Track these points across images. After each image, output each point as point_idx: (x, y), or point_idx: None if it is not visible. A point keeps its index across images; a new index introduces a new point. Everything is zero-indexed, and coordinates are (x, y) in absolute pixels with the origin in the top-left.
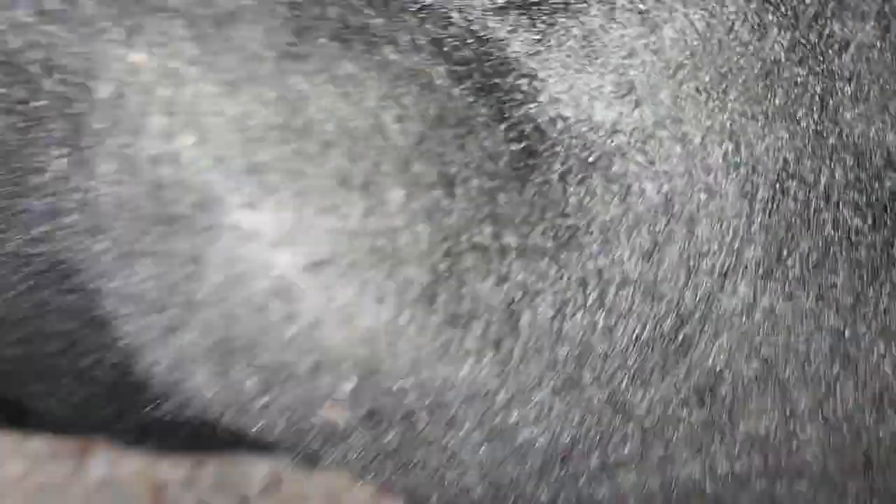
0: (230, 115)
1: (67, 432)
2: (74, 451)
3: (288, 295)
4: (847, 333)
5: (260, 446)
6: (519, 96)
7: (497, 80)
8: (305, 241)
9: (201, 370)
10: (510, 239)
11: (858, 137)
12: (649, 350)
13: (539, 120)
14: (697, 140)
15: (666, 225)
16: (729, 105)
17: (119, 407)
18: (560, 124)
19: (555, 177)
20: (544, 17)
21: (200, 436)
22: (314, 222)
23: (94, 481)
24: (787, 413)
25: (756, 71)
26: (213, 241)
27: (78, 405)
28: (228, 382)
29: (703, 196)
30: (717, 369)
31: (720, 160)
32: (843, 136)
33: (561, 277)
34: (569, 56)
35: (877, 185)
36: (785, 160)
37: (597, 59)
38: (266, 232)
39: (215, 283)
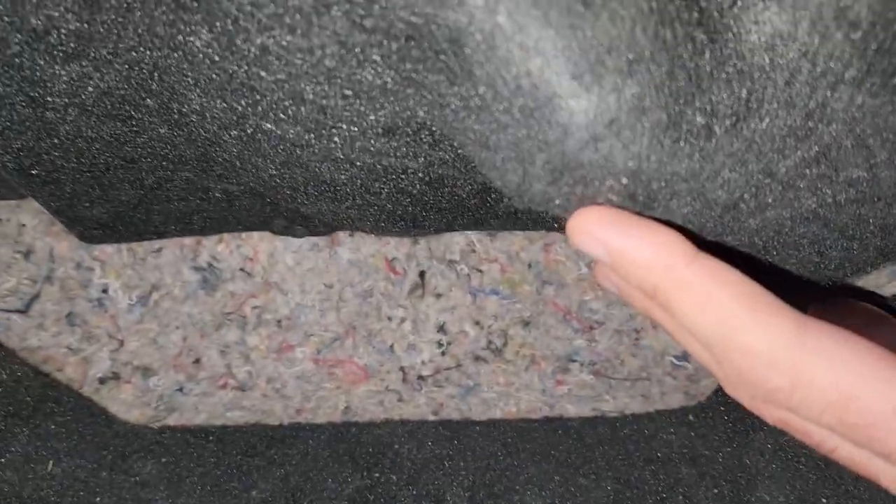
0: (558, 48)
1: (320, 232)
2: (327, 243)
3: (596, 139)
4: None
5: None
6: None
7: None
8: (604, 111)
9: (539, 183)
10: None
11: None
12: (788, 137)
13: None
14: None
15: (798, 61)
16: None
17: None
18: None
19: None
20: None
21: (420, 226)
22: (608, 99)
23: (344, 262)
24: (871, 164)
25: None
26: (553, 113)
27: (365, 217)
28: (556, 187)
29: (818, 41)
30: (828, 144)
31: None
32: None
33: (739, 102)
34: None
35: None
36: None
37: None
38: (584, 108)
39: (556, 133)
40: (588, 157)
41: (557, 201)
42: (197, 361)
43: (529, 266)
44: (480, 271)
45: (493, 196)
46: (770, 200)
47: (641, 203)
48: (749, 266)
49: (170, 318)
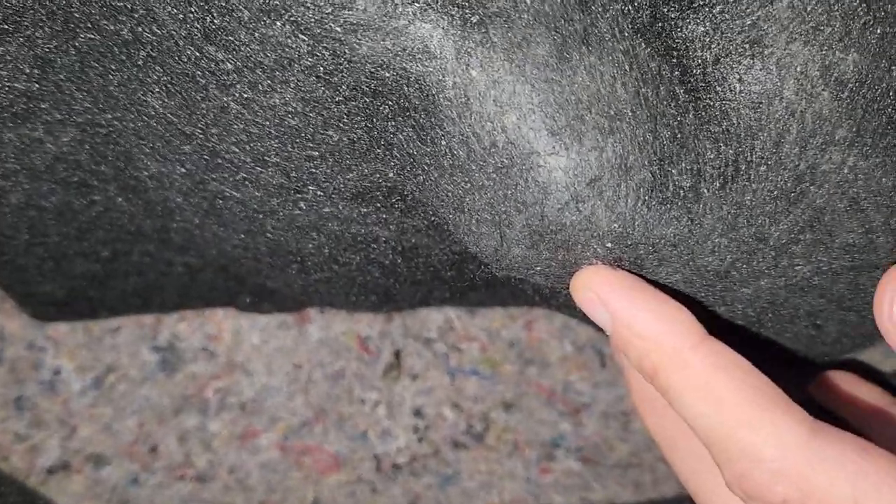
0: (535, 103)
1: (288, 309)
2: (295, 321)
3: (577, 199)
4: None
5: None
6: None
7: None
8: (586, 169)
9: (518, 247)
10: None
11: None
12: (778, 200)
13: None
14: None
15: (786, 121)
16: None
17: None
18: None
19: (717, 106)
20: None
21: (393, 300)
22: (589, 157)
23: (314, 341)
24: (866, 228)
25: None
26: (531, 171)
27: (339, 291)
28: (536, 251)
29: (805, 100)
30: (822, 208)
31: (817, 77)
32: None
33: (726, 162)
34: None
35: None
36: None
37: (746, 42)
38: (563, 166)
39: (534, 193)
40: (569, 219)
41: (538, 267)
42: (154, 449)
43: (511, 345)
44: (459, 350)
45: (470, 267)
46: (763, 268)
47: (629, 269)
48: (741, 340)
49: (125, 402)
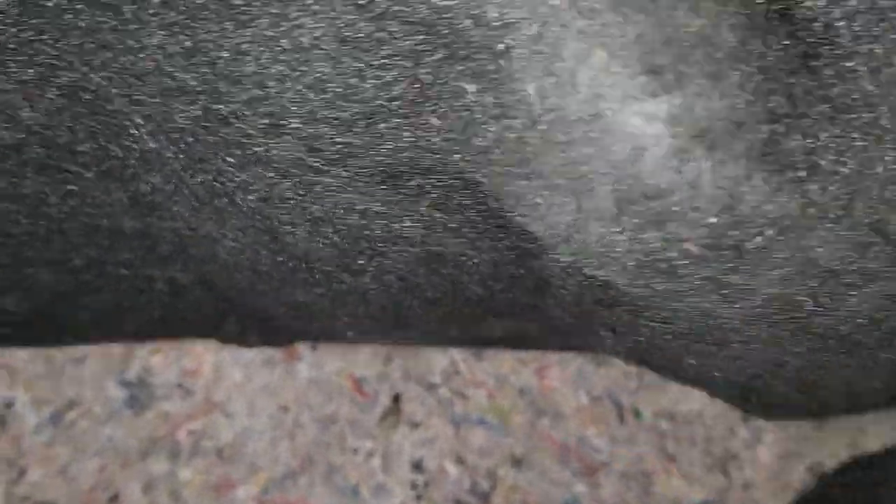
0: (630, 38)
1: (277, 342)
2: (283, 357)
3: (681, 154)
4: None
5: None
6: None
7: None
8: (691, 119)
9: (597, 223)
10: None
11: None
12: None
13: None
14: None
15: None
16: None
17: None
18: None
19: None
20: None
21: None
22: (695, 105)
23: (303, 380)
24: None
25: None
26: (624, 119)
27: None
28: (617, 226)
29: None
30: None
31: None
32: None
33: (843, 132)
34: None
35: None
36: None
37: None
38: (665, 113)
39: (626, 148)
40: (668, 181)
41: (618, 249)
42: (114, 498)
43: (521, 392)
44: (465, 397)
45: (501, 285)
46: (877, 267)
47: (727, 258)
48: (832, 360)
49: (86, 442)
